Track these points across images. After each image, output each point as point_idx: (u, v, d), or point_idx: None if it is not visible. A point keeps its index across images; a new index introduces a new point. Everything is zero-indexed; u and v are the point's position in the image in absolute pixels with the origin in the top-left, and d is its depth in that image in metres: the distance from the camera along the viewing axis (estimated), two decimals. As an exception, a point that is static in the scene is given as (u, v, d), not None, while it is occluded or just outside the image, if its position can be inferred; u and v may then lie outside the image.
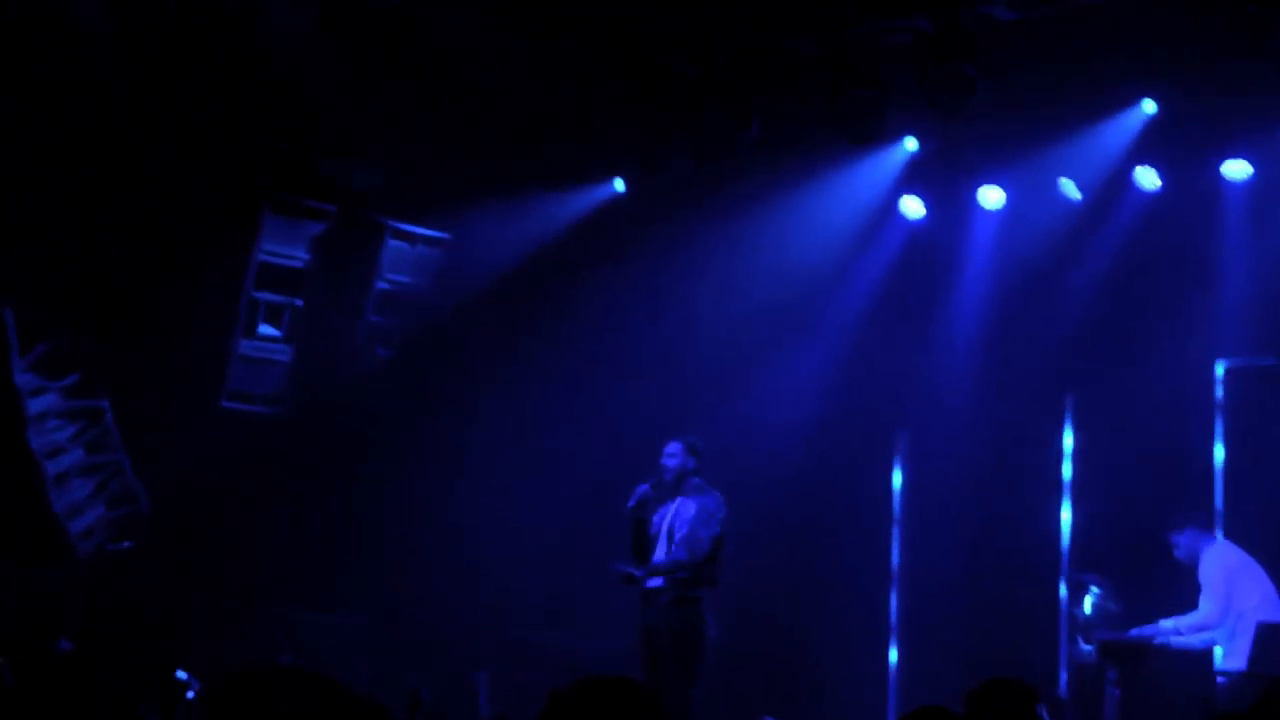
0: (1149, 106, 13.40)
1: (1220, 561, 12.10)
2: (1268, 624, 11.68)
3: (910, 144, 14.35)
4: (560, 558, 15.10)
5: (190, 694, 11.42)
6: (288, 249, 14.88)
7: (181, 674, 11.87)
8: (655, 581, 12.46)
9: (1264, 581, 12.05)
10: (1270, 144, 13.26)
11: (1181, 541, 12.22)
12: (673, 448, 12.66)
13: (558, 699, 3.94)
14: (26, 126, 13.18)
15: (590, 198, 15.53)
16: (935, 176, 14.64)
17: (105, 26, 12.95)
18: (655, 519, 12.54)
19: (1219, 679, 11.94)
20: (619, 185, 15.52)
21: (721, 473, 12.82)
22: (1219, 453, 13.70)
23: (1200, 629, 12.07)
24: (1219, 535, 12.67)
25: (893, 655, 15.12)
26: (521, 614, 15.13)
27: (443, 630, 15.10)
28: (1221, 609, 11.97)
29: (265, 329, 14.96)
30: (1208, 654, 12.11)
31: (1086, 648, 12.55)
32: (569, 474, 15.06)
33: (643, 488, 12.56)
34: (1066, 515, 14.35)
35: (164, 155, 13.78)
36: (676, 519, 12.51)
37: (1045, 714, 10.41)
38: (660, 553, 12.46)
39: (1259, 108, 12.91)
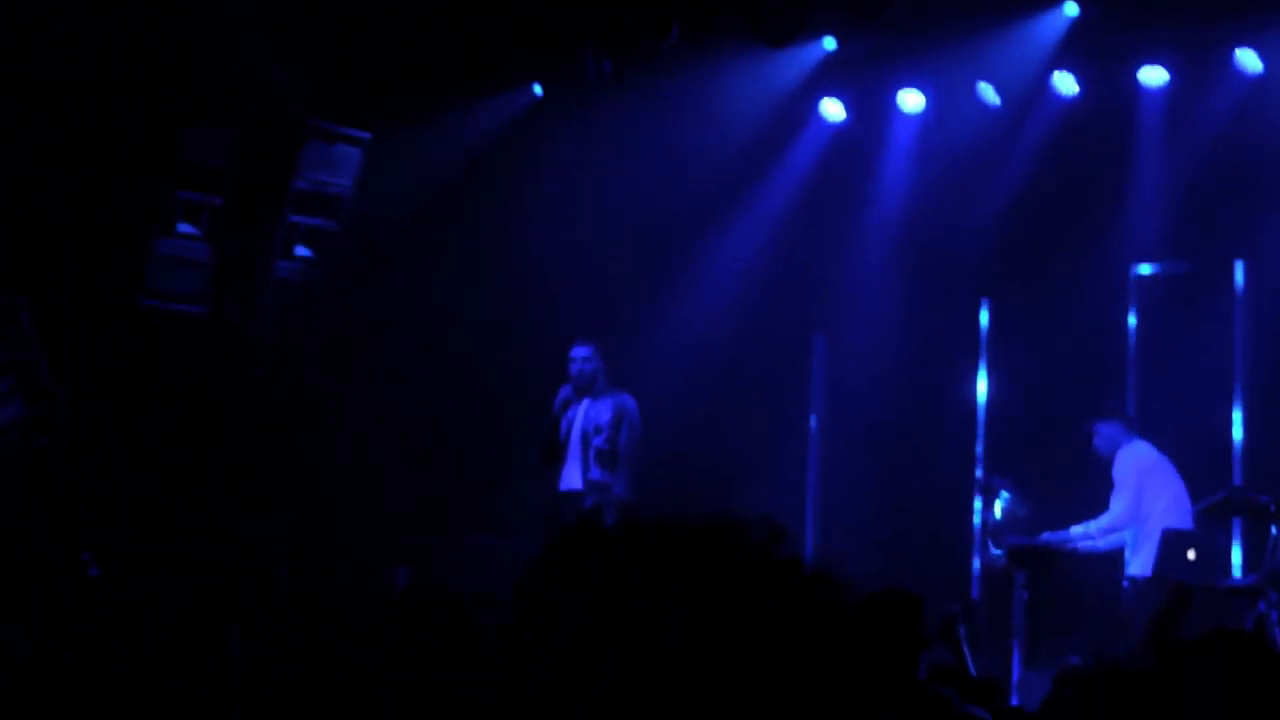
0: (1070, 9, 13.34)
1: (1135, 461, 12.03)
2: (1174, 530, 11.70)
3: (829, 43, 14.23)
4: (474, 460, 15.08)
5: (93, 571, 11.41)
6: (208, 148, 14.75)
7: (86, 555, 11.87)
8: (574, 485, 12.47)
9: (1175, 484, 11.99)
10: (1187, 50, 13.23)
11: (1103, 431, 12.14)
12: (584, 351, 12.61)
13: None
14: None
15: (510, 102, 15.44)
16: (856, 79, 14.56)
17: None
18: (562, 422, 12.58)
19: (1124, 584, 12.01)
20: (537, 90, 15.43)
21: (637, 371, 12.83)
22: (1132, 356, 13.77)
23: (1110, 530, 12.07)
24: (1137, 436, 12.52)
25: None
26: (433, 515, 15.10)
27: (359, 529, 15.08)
28: (1131, 509, 11.93)
29: (184, 227, 14.83)
30: (1114, 559, 12.17)
31: (996, 552, 12.57)
32: (487, 377, 15.02)
33: (566, 390, 12.57)
34: (980, 419, 14.40)
35: (84, 55, 13.66)
36: (588, 422, 12.49)
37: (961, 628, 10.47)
38: (576, 456, 12.46)
39: (1177, 12, 12.87)
